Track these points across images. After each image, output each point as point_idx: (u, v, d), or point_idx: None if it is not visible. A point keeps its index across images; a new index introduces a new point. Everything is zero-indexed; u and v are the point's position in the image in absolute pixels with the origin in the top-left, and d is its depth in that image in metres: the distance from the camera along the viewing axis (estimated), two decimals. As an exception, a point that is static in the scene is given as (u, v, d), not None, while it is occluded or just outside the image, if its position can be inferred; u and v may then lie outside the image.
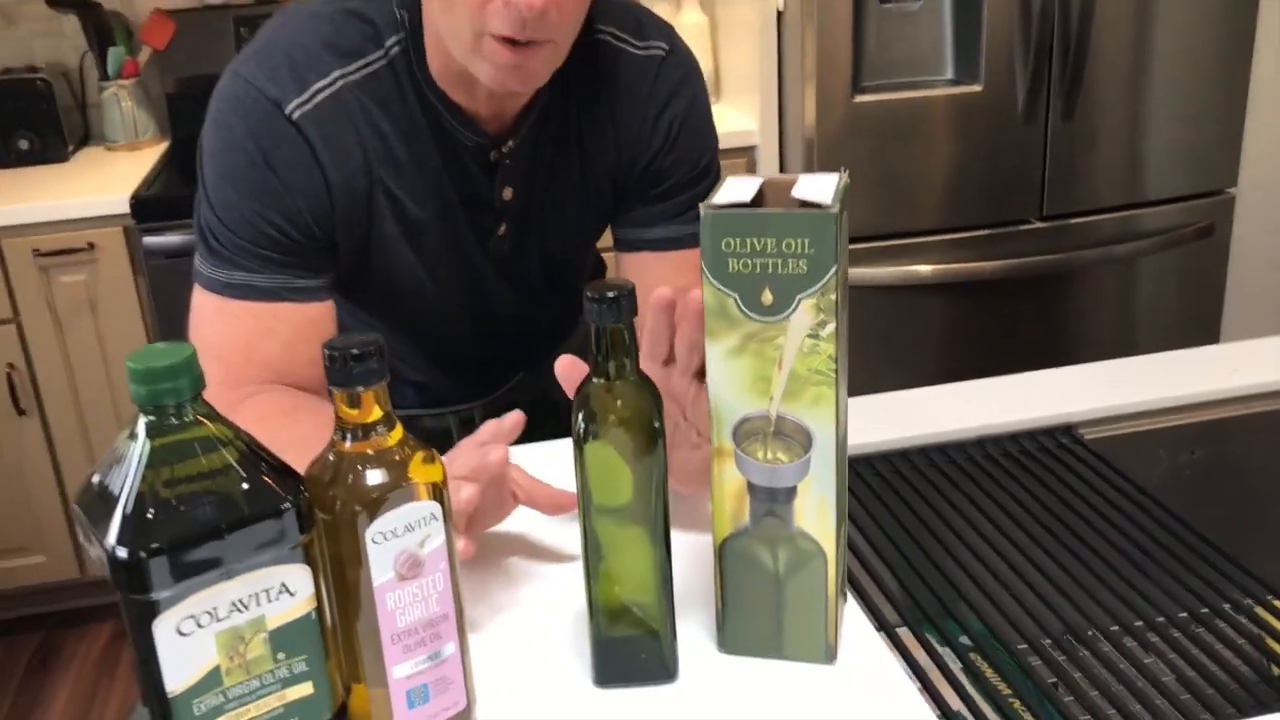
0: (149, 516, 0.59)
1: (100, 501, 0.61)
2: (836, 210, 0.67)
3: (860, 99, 2.19)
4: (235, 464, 0.62)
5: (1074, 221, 2.34)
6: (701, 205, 0.69)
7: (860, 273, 2.26)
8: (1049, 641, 0.85)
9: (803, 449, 0.71)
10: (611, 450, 0.71)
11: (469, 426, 1.26)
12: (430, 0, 0.95)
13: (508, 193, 1.07)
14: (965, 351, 2.37)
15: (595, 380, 0.71)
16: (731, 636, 0.78)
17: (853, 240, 2.23)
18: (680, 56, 1.10)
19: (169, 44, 2.53)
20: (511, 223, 1.09)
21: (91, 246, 2.19)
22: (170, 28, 2.52)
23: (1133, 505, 0.99)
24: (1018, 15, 2.18)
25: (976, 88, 2.21)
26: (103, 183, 2.31)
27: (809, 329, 0.69)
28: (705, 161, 1.12)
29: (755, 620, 0.77)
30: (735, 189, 0.71)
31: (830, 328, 0.68)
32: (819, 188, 0.69)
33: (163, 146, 2.57)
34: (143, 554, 0.59)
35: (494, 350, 1.23)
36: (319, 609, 0.65)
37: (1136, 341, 2.48)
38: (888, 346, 2.34)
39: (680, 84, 1.09)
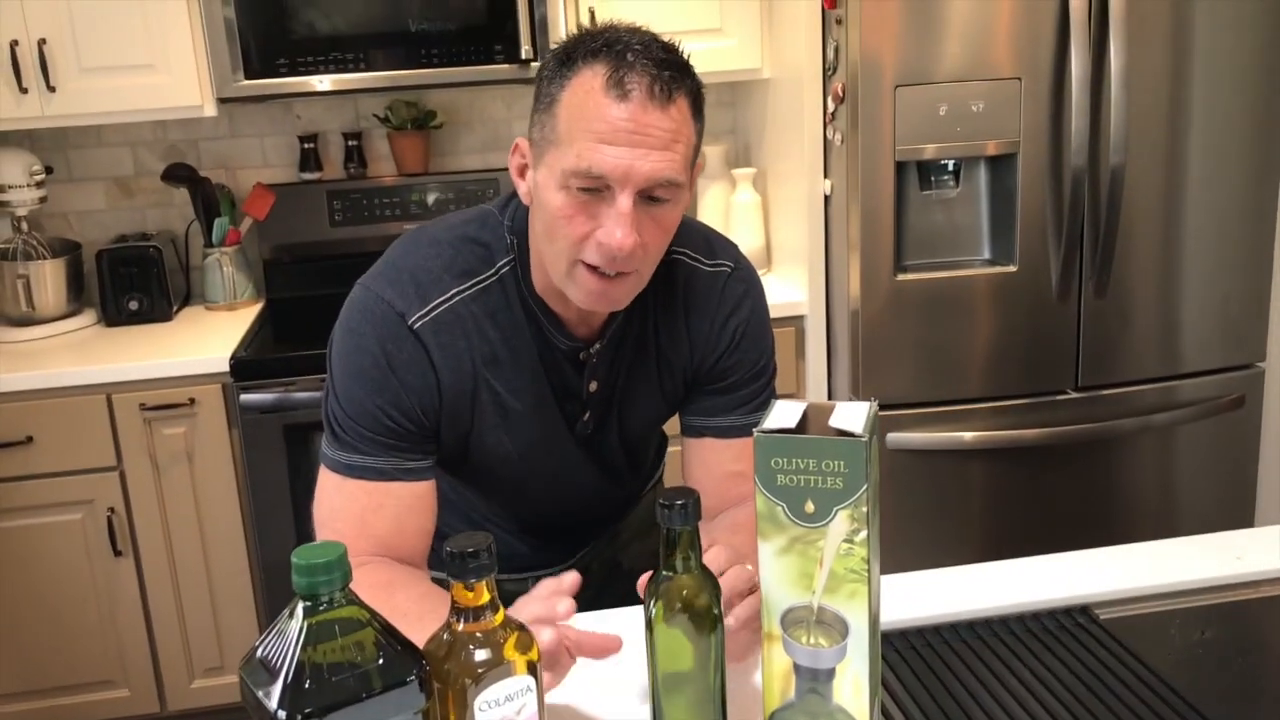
0: (306, 686, 0.73)
1: (263, 669, 0.76)
2: (866, 439, 0.81)
3: (902, 277, 2.35)
4: (372, 642, 0.76)
5: (1108, 392, 2.45)
6: (755, 430, 0.84)
7: (905, 438, 2.39)
8: None
9: (840, 635, 0.84)
10: (678, 632, 0.86)
11: None
12: (535, 228, 1.14)
13: (593, 386, 1.24)
14: (1006, 515, 2.47)
15: (665, 573, 0.86)
16: (779, 798, 0.90)
17: (898, 406, 2.37)
18: (743, 272, 1.28)
19: (268, 214, 2.77)
20: (594, 410, 1.26)
21: (192, 402, 2.38)
22: (270, 200, 2.77)
23: (1144, 687, 1.09)
24: (1050, 200, 2.34)
25: (1012, 268, 2.36)
26: (203, 342, 2.51)
27: (845, 535, 0.82)
28: (763, 362, 1.28)
29: (799, 784, 0.88)
30: (783, 414, 0.86)
31: (863, 535, 0.82)
32: (853, 416, 0.84)
33: (258, 307, 2.79)
34: (299, 717, 0.73)
35: (573, 520, 1.38)
36: (434, 765, 0.78)
37: (1173, 507, 2.55)
38: (931, 509, 2.44)
39: (743, 296, 1.26)
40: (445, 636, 0.80)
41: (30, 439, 2.35)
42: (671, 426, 1.39)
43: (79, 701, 2.50)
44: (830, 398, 2.59)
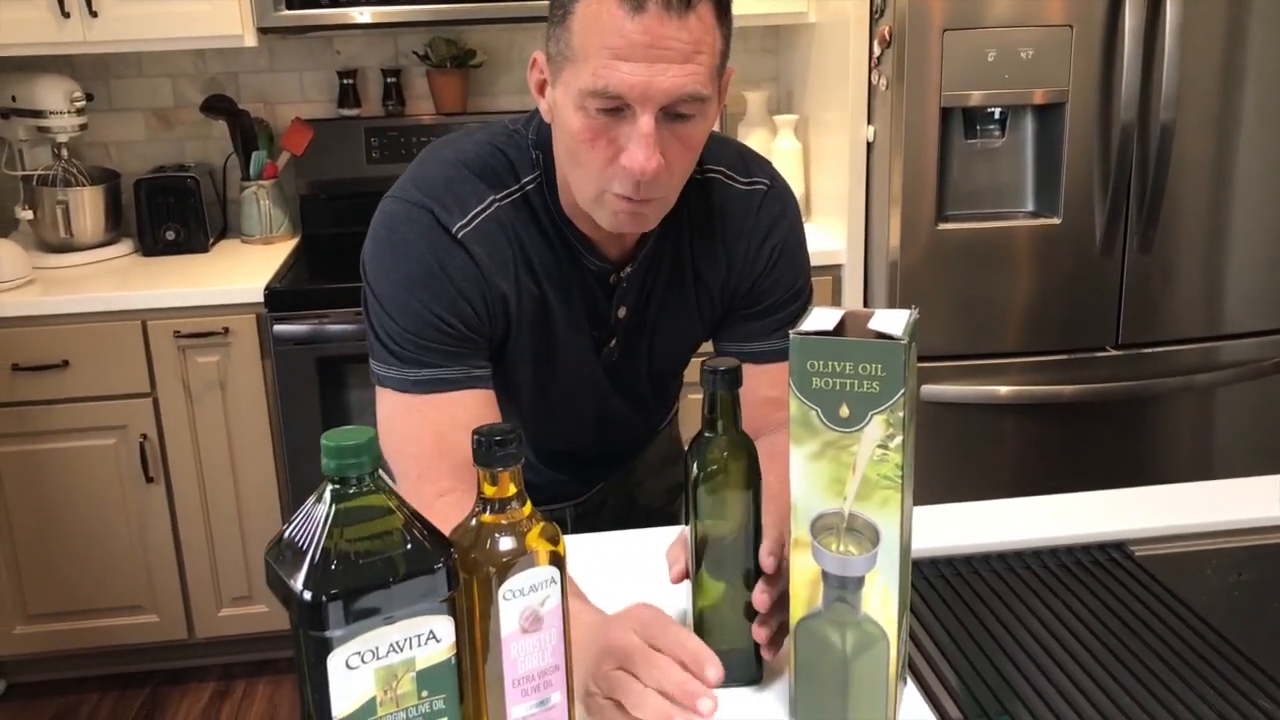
0: (332, 567, 0.73)
1: (290, 551, 0.75)
2: (906, 341, 0.79)
3: (943, 226, 2.32)
4: (400, 528, 0.76)
5: (1149, 351, 2.42)
6: (791, 331, 0.82)
7: (940, 390, 2.36)
8: None
9: (871, 544, 0.83)
10: (717, 491, 0.90)
11: (560, 525, 1.40)
12: (558, 149, 1.11)
13: (621, 312, 1.22)
14: (1039, 471, 2.45)
15: (706, 434, 0.90)
16: (803, 708, 0.89)
17: (934, 359, 2.35)
18: (780, 190, 1.25)
19: (306, 150, 2.77)
20: (621, 337, 1.24)
21: (226, 331, 2.39)
22: (308, 135, 2.76)
23: (1179, 622, 1.07)
24: (1097, 152, 2.29)
25: (1055, 220, 2.32)
26: (239, 273, 2.52)
27: (879, 440, 0.81)
28: (800, 283, 1.26)
29: (824, 694, 0.87)
30: (821, 318, 0.84)
31: (898, 440, 0.80)
32: (892, 321, 0.82)
33: (293, 242, 2.80)
34: (324, 598, 0.72)
35: (592, 451, 1.36)
36: (458, 655, 0.78)
37: (1210, 471, 2.51)
38: (964, 462, 2.42)
39: (780, 215, 1.23)
40: (472, 525, 0.80)
41: (66, 363, 2.37)
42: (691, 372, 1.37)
43: (109, 625, 2.53)
44: (864, 349, 2.56)
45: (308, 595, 0.72)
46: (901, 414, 0.80)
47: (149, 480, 2.45)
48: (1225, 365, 2.44)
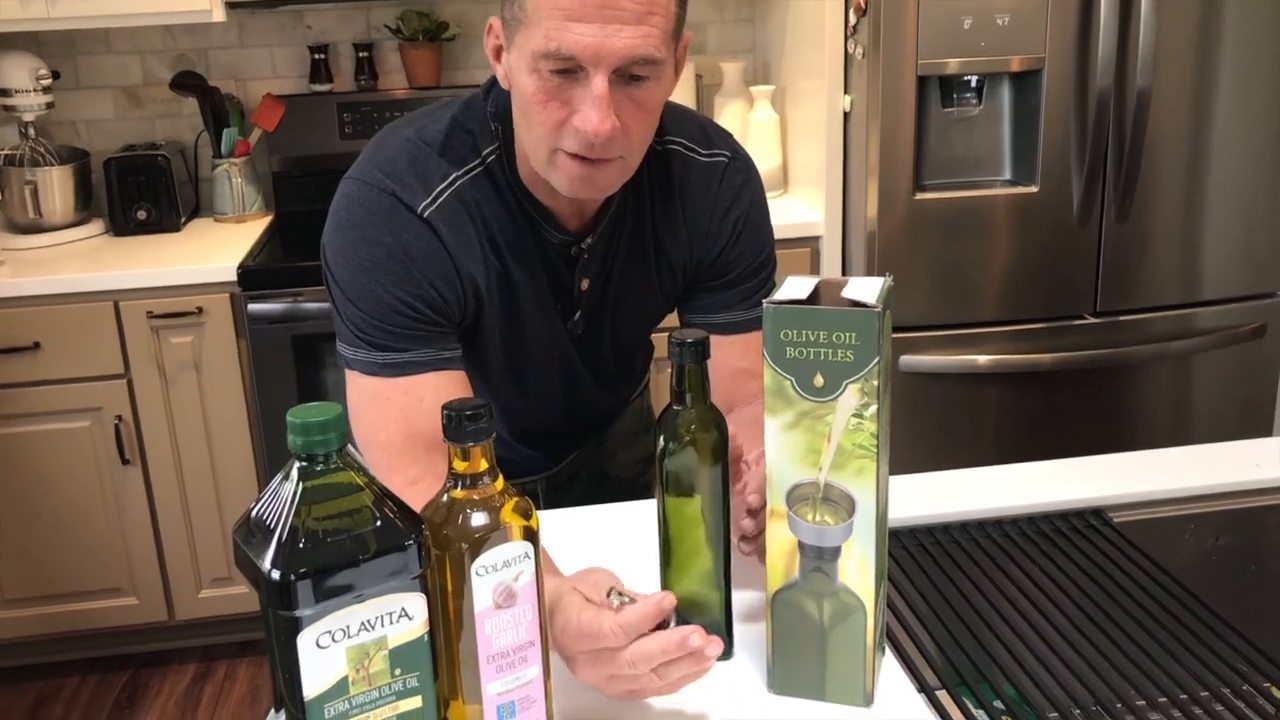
0: (300, 546, 0.72)
1: (258, 531, 0.74)
2: (880, 310, 0.78)
3: (921, 196, 2.31)
4: (370, 505, 0.75)
5: (1127, 318, 2.42)
6: (765, 300, 0.81)
7: (918, 360, 2.36)
8: (1079, 712, 0.93)
9: (847, 513, 0.82)
10: (685, 461, 0.88)
11: (531, 499, 1.38)
12: (516, 117, 1.09)
13: (584, 284, 1.20)
14: (1017, 440, 2.45)
15: (674, 407, 0.89)
16: (780, 678, 0.88)
17: (912, 329, 2.34)
18: (741, 162, 1.23)
19: (278, 126, 2.74)
20: (585, 310, 1.22)
21: (200, 310, 2.37)
22: (280, 111, 2.73)
23: (1158, 587, 1.07)
24: (1074, 120, 2.29)
25: (1033, 188, 2.32)
26: (212, 252, 2.49)
27: (854, 409, 0.80)
28: (764, 255, 1.25)
29: (802, 664, 0.87)
30: (794, 287, 0.83)
31: (873, 409, 0.80)
32: (866, 289, 0.81)
33: (267, 219, 2.76)
34: (293, 576, 0.71)
35: (565, 425, 1.35)
36: (431, 632, 0.77)
37: (1187, 437, 2.52)
38: (942, 432, 2.42)
39: (742, 186, 1.22)
40: (443, 500, 0.79)
41: (38, 345, 2.34)
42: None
43: (88, 608, 2.51)
44: (843, 320, 2.55)
45: (276, 574, 0.71)
46: (876, 383, 0.79)
47: (125, 462, 2.43)
48: (1202, 332, 2.44)
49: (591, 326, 1.24)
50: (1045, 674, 0.98)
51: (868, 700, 0.86)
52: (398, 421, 1.09)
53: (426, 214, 1.10)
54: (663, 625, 0.83)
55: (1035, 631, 1.02)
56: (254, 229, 2.67)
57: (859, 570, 0.83)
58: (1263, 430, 2.55)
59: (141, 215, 2.64)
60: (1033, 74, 2.27)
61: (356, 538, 0.73)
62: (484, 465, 0.78)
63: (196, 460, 2.46)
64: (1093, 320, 2.41)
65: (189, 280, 2.36)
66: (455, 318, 1.13)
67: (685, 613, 0.91)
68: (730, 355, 1.21)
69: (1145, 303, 2.42)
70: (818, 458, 0.82)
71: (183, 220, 2.71)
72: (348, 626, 0.73)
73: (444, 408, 0.78)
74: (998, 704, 0.94)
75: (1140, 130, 2.27)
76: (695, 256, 1.22)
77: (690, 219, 1.21)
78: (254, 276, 2.35)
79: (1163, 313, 2.43)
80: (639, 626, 0.82)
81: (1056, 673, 0.98)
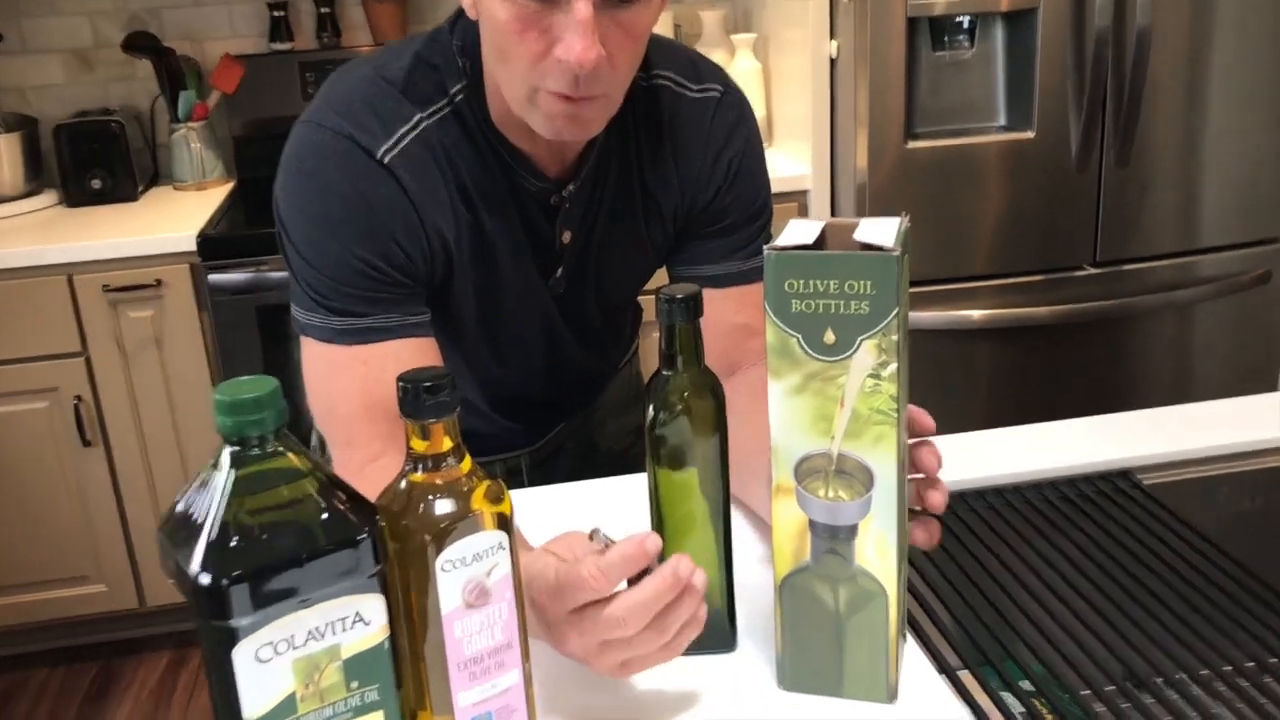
0: (232, 544, 0.61)
1: (184, 528, 0.63)
2: (899, 253, 0.68)
3: (912, 145, 2.20)
4: (315, 494, 0.64)
5: (1128, 268, 2.33)
6: (765, 247, 0.71)
7: (910, 316, 2.26)
8: (1112, 688, 0.85)
9: (864, 487, 0.72)
10: (678, 435, 0.78)
11: (515, 476, 1.29)
12: (486, 51, 0.98)
13: (566, 236, 1.09)
14: (1015, 397, 2.37)
15: (665, 372, 0.78)
16: (791, 673, 0.79)
17: (905, 284, 2.24)
18: (734, 97, 1.12)
19: (237, 88, 2.60)
20: (568, 265, 1.12)
21: (159, 283, 2.25)
22: (239, 72, 2.60)
23: (1194, 552, 0.98)
24: (1071, 63, 2.18)
25: (1029, 134, 2.22)
26: (171, 221, 2.37)
27: (870, 369, 0.70)
28: (760, 200, 1.14)
29: (815, 657, 0.78)
30: (798, 231, 0.72)
31: (892, 368, 0.70)
32: (881, 231, 0.71)
33: (229, 186, 2.64)
34: (225, 581, 0.61)
35: (547, 394, 1.25)
36: (392, 638, 0.67)
37: (1191, 389, 2.45)
38: (936, 391, 2.33)
39: (736, 125, 1.11)
40: (402, 487, 0.68)
41: (-12, 323, 2.22)
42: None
43: (55, 597, 2.41)
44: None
45: (205, 579, 0.61)
46: (895, 337, 0.69)
47: (86, 444, 2.31)
48: (1205, 280, 2.36)
49: (575, 284, 1.13)
50: (1076, 649, 0.89)
51: (891, 695, 0.77)
52: (358, 394, 0.98)
53: (387, 159, 0.99)
54: (645, 574, 0.73)
55: (1063, 603, 0.93)
56: (215, 196, 2.55)
57: (878, 551, 0.73)
58: (1268, 382, 2.47)
59: (95, 184, 2.52)
60: (1027, 13, 2.17)
61: (300, 532, 0.63)
62: (448, 444, 0.68)
63: (161, 439, 2.35)
64: (1092, 271, 2.32)
65: (146, 251, 2.25)
66: (422, 277, 1.02)
67: None
68: (726, 310, 1.10)
69: (1146, 251, 2.33)
70: (829, 425, 0.72)
71: (140, 189, 2.59)
72: (293, 636, 0.63)
73: (399, 379, 0.67)
74: (1025, 683, 0.85)
75: (1140, 71, 2.17)
76: (686, 202, 1.11)
77: (681, 160, 1.10)
78: (214, 245, 2.23)
79: (1164, 261, 2.34)
80: (621, 568, 0.72)
81: (1088, 647, 0.89)
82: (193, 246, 2.23)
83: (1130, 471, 1.09)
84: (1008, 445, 1.13)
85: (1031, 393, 2.37)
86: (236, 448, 0.64)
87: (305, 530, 0.63)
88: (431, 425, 0.67)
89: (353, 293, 0.98)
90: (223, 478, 0.63)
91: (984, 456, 1.11)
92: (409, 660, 0.69)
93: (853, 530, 0.73)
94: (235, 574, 0.61)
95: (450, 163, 1.02)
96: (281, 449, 0.64)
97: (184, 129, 2.59)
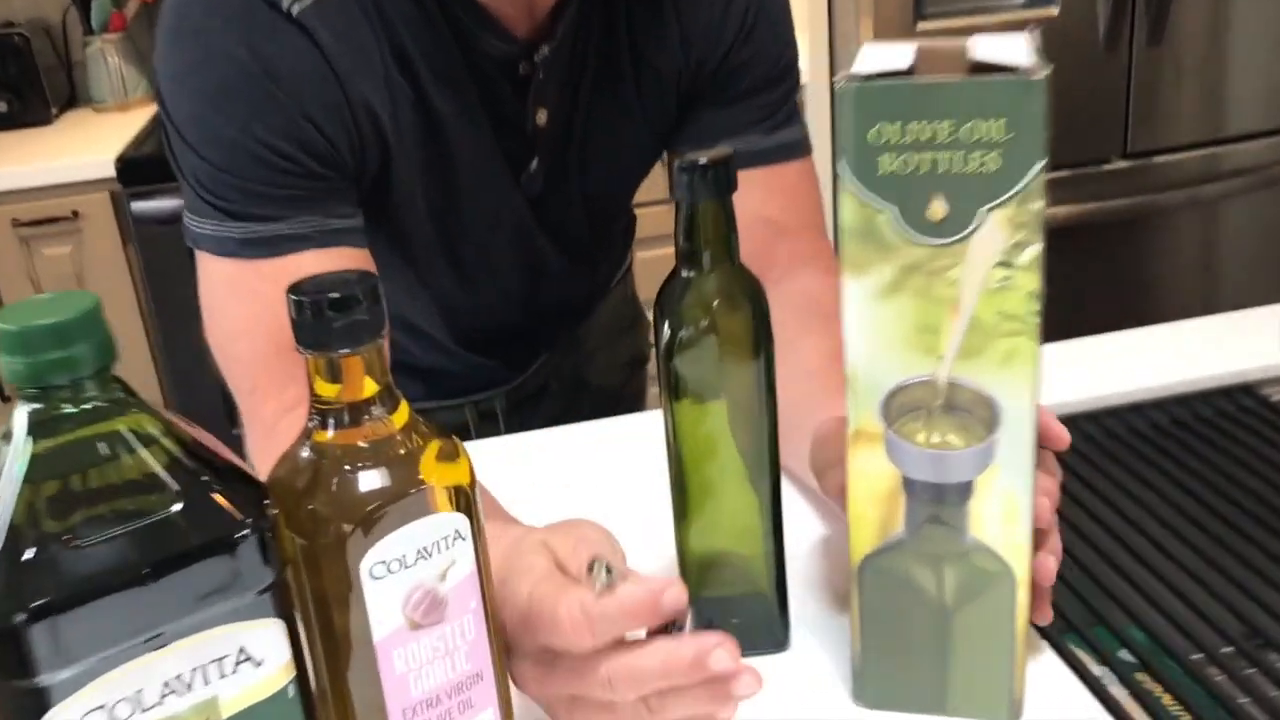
0: (27, 559, 0.39)
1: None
2: (1043, 76, 0.45)
3: (923, 26, 1.97)
4: (164, 470, 0.41)
5: (1158, 160, 2.12)
6: (837, 78, 0.48)
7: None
8: (1230, 649, 0.64)
9: (985, 429, 0.50)
10: (706, 360, 0.56)
11: (489, 421, 1.06)
12: None
13: (541, 117, 0.86)
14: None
15: (684, 274, 0.56)
16: (874, 686, 0.57)
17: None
18: None
19: (157, -7, 2.33)
20: (544, 156, 0.88)
21: (76, 215, 2.02)
22: (158, -25, 2.31)
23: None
24: (1096, -71, 1.95)
25: (1053, 10, 1.99)
26: (88, 146, 2.13)
27: (1000, 255, 0.47)
28: (786, 58, 0.92)
29: (909, 665, 0.56)
30: (881, 56, 0.49)
31: (1032, 251, 0.47)
32: (1008, 49, 0.47)
33: (154, 105, 2.37)
34: (20, 617, 0.38)
35: (523, 320, 1.02)
36: (300, 681, 0.44)
37: (1221, 291, 2.27)
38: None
39: None
40: (305, 454, 0.46)
41: (-120, 266, 1.97)
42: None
43: None
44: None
45: (-13, 616, 0.38)
46: (1038, 205, 0.46)
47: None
48: (1235, 172, 2.15)
49: (554, 179, 0.90)
50: (1184, 608, 0.68)
51: (1014, 713, 0.56)
52: (266, 323, 0.75)
53: (297, 12, 0.74)
54: (668, 629, 0.50)
55: (1167, 555, 0.72)
56: (139, 117, 2.30)
57: (1005, 517, 0.51)
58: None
59: (3, 107, 2.26)
60: None
61: (142, 535, 0.40)
62: (371, 388, 0.45)
63: (90, 390, 2.11)
64: (1121, 164, 2.10)
65: (59, 179, 2.03)
66: (347, 168, 0.78)
67: (717, 585, 0.60)
68: (750, 200, 0.85)
69: (1176, 140, 2.12)
70: (936, 339, 0.49)
71: (54, 112, 2.34)
72: (139, 694, 0.41)
73: (289, 291, 0.44)
74: (1123, 654, 0.64)
75: (1172, -63, 1.94)
76: (692, 64, 0.88)
77: (683, 13, 0.86)
78: (136, 169, 1.99)
79: (1192, 152, 2.13)
80: (617, 624, 0.49)
81: (1200, 605, 0.68)
82: (111, 172, 1.98)
83: (1251, 386, 0.88)
84: (1085, 360, 0.92)
85: (1052, 299, 2.16)
86: (36, 405, 0.41)
87: (151, 530, 0.41)
88: (342, 358, 0.44)
89: (255, 189, 0.74)
90: (14, 453, 0.40)
91: (1060, 374, 0.89)
92: (330, 709, 0.47)
93: (967, 489, 0.51)
94: (34, 605, 0.38)
95: (384, 18, 0.77)
96: (107, 402, 0.41)
97: (99, 42, 2.34)
